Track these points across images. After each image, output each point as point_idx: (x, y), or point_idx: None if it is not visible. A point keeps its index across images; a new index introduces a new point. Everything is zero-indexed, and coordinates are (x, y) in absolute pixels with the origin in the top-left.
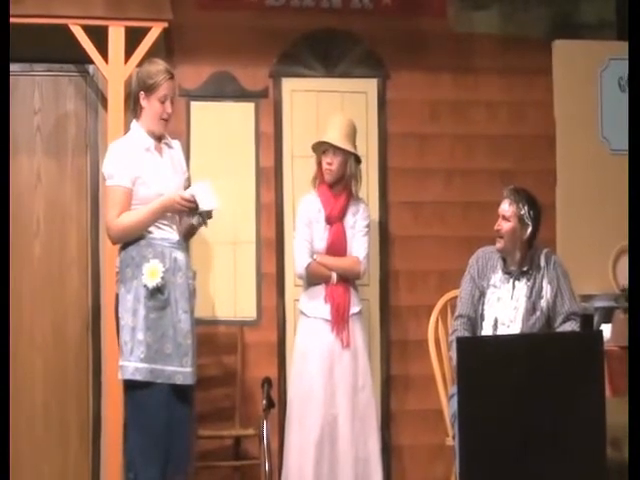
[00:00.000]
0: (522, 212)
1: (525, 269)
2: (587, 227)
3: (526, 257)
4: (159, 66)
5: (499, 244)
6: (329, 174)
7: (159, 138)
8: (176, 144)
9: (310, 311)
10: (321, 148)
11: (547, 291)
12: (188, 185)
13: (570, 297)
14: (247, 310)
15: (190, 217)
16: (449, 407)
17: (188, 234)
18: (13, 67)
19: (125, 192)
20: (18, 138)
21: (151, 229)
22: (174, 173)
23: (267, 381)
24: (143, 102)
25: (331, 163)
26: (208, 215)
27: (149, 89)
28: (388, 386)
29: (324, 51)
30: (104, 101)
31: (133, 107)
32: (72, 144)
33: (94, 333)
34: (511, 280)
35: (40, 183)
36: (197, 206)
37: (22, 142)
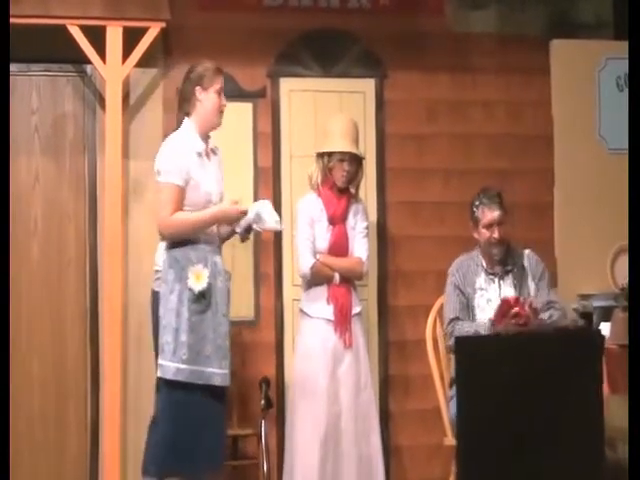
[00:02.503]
0: (505, 210)
1: (509, 268)
2: (585, 226)
3: (508, 255)
4: (210, 64)
5: (497, 249)
6: (345, 180)
7: (207, 140)
8: (218, 150)
9: (313, 311)
10: (337, 156)
11: (532, 289)
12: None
13: (548, 289)
14: (245, 310)
15: (241, 231)
16: (449, 408)
17: (224, 240)
18: (11, 67)
19: (179, 191)
20: (16, 138)
21: None
22: (218, 178)
23: (265, 381)
24: (200, 96)
25: (349, 171)
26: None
27: (206, 83)
28: (386, 386)
29: (322, 51)
30: (102, 101)
31: (182, 105)
32: (70, 144)
33: (92, 334)
34: (496, 280)
35: (38, 183)
36: (259, 220)
37: (20, 142)
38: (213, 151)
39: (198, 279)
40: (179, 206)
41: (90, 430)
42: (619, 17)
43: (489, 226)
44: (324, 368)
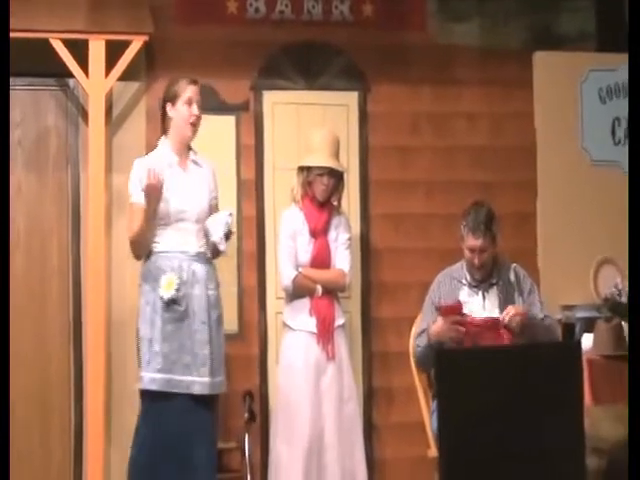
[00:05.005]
0: (492, 234)
1: (494, 281)
2: (568, 237)
3: (493, 268)
4: (181, 77)
5: (478, 273)
6: (324, 194)
7: (186, 153)
8: (207, 165)
9: (295, 324)
10: (316, 170)
11: (519, 303)
12: (216, 207)
13: (540, 303)
14: (229, 323)
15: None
16: (431, 422)
17: (215, 251)
18: None
19: (142, 209)
20: None
21: (170, 242)
22: (199, 191)
23: (249, 394)
24: (171, 112)
25: (328, 185)
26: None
27: (174, 96)
28: (370, 398)
29: (305, 64)
30: (85, 115)
31: (161, 124)
32: (53, 158)
33: (75, 345)
34: (480, 292)
35: (21, 196)
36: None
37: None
38: (195, 162)
39: (167, 287)
40: None
41: (73, 441)
42: (602, 29)
43: (471, 251)
44: (307, 380)
